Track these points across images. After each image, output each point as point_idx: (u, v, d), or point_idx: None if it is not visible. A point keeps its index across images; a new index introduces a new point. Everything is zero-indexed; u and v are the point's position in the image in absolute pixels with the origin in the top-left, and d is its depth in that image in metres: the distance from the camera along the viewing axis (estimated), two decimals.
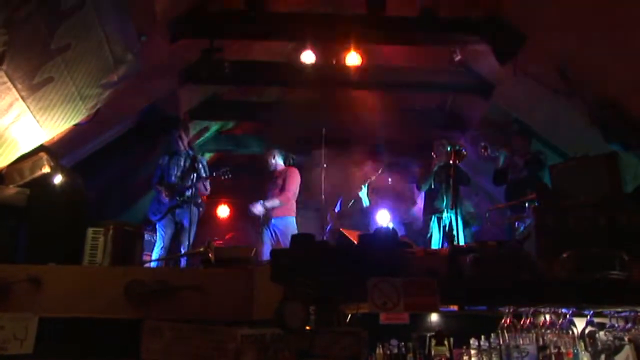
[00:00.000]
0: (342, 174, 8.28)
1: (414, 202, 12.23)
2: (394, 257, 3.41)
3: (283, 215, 8.00)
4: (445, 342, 3.96)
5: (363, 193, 8.50)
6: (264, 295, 4.69)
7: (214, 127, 9.81)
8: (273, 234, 7.89)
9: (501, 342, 4.91)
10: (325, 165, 7.59)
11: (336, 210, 8.50)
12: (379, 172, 8.68)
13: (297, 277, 3.33)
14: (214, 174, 7.63)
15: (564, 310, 3.73)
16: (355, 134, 9.55)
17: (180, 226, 7.47)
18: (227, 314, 4.72)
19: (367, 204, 8.39)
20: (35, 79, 4.26)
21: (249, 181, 8.92)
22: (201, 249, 5.39)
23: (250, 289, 4.78)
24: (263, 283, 4.78)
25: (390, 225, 8.69)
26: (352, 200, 8.43)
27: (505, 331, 3.84)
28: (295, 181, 8.12)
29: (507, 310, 3.66)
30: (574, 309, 3.76)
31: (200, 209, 7.56)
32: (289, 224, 8.00)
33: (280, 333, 3.92)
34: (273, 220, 7.95)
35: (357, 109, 9.07)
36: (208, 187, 7.64)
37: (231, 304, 4.73)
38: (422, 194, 11.52)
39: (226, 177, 7.63)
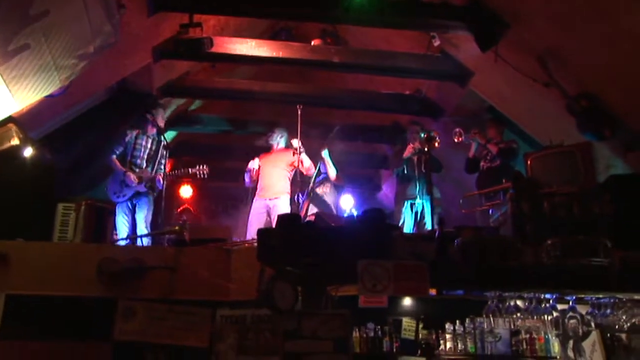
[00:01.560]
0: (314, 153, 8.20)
1: (379, 187, 12.34)
2: (382, 239, 3.40)
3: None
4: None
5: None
6: (241, 275, 4.67)
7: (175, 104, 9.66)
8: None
9: (475, 326, 5.05)
10: (300, 145, 7.51)
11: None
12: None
13: (285, 258, 3.30)
14: (190, 170, 7.46)
15: (547, 296, 3.79)
16: (330, 115, 9.56)
17: (135, 209, 7.28)
18: (203, 294, 4.69)
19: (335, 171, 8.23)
20: (11, 46, 4.11)
21: (212, 162, 8.75)
22: (176, 228, 5.33)
23: (227, 269, 4.76)
24: (240, 263, 4.77)
25: (354, 211, 8.70)
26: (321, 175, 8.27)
27: (486, 316, 3.88)
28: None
29: (492, 295, 3.69)
30: (557, 295, 3.82)
31: (154, 195, 7.39)
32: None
33: (261, 314, 3.92)
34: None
35: (332, 91, 9.10)
36: (162, 182, 7.28)
37: (207, 284, 4.70)
38: (388, 180, 11.67)
39: (202, 175, 7.50)
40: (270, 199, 7.63)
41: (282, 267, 3.23)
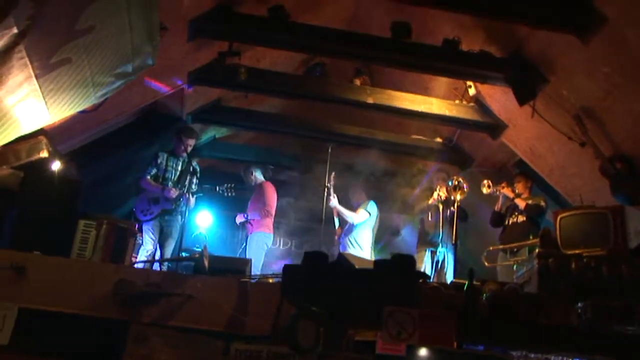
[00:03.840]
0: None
1: (398, 233, 12.25)
2: (410, 286, 3.34)
3: (258, 230, 8.28)
4: None
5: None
6: (258, 310, 4.60)
7: (211, 132, 9.73)
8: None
9: None
10: (330, 185, 7.52)
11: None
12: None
13: (309, 296, 3.24)
14: (217, 188, 7.53)
15: None
16: (359, 155, 9.59)
17: (166, 233, 7.33)
18: (218, 325, 4.62)
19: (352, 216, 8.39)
20: (53, 59, 4.14)
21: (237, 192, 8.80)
22: (196, 255, 5.29)
23: (245, 302, 4.69)
24: (258, 297, 4.70)
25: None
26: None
27: None
28: (273, 196, 8.50)
29: (518, 354, 3.60)
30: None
31: (184, 219, 7.38)
32: (259, 239, 8.23)
33: (278, 351, 3.84)
34: (248, 235, 8.25)
35: (362, 132, 9.12)
36: (193, 201, 7.43)
37: (223, 315, 4.63)
38: (408, 225, 11.58)
39: (229, 193, 7.56)
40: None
41: (307, 305, 3.18)
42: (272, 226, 8.47)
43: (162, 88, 6.77)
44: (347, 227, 8.45)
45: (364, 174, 9.68)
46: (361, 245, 8.27)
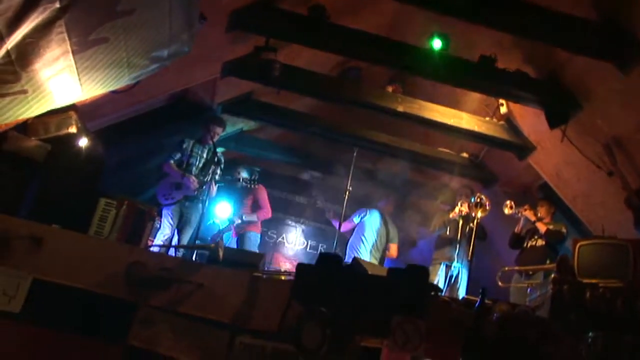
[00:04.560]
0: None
1: (415, 244, 12.20)
2: (421, 298, 3.33)
3: (252, 230, 8.48)
4: None
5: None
6: (266, 305, 4.61)
7: (239, 125, 9.77)
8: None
9: None
10: (350, 189, 7.51)
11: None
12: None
13: (319, 298, 3.25)
14: (240, 180, 7.58)
15: None
16: (382, 162, 9.60)
17: (185, 220, 7.38)
18: (225, 317, 4.64)
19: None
20: (91, 36, 4.18)
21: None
22: (211, 245, 5.32)
23: (254, 296, 4.70)
24: (268, 293, 4.72)
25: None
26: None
27: None
28: (267, 198, 8.68)
29: None
30: None
31: (204, 207, 7.38)
32: (254, 238, 8.46)
33: (282, 348, 3.85)
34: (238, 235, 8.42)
35: (389, 139, 9.11)
36: (215, 190, 7.47)
37: (232, 307, 4.65)
38: (425, 237, 11.54)
39: (252, 185, 7.62)
40: None
41: (315, 307, 3.18)
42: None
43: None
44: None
45: (386, 182, 9.69)
46: (357, 249, 8.34)
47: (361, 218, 8.64)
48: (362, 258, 7.67)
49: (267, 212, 8.57)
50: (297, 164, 10.77)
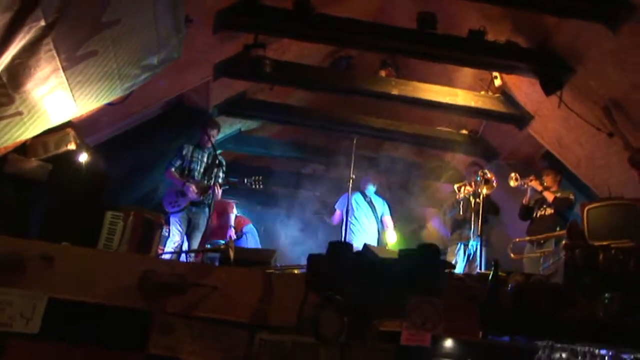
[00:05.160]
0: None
1: (423, 225, 12.23)
2: (435, 276, 3.33)
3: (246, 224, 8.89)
4: None
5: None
6: (282, 300, 4.61)
7: (236, 125, 9.78)
8: None
9: None
10: (353, 177, 7.51)
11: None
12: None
13: (333, 286, 3.25)
14: (245, 180, 7.56)
15: (602, 352, 3.65)
16: (379, 147, 9.60)
17: (193, 225, 7.39)
18: (242, 316, 4.64)
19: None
20: (80, 51, 4.19)
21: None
22: (222, 247, 5.32)
23: (270, 293, 4.71)
24: (282, 288, 4.72)
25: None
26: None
27: None
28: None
29: (543, 344, 3.56)
30: (613, 353, 3.67)
31: (210, 211, 7.40)
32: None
33: (301, 342, 3.85)
34: None
35: (387, 124, 9.10)
36: (220, 193, 7.44)
37: (248, 306, 4.65)
38: (436, 219, 11.56)
39: (257, 186, 7.60)
40: None
41: (331, 295, 3.19)
42: None
43: None
44: None
45: (388, 167, 9.69)
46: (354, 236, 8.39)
47: (343, 205, 8.62)
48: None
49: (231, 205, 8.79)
50: (299, 158, 10.76)
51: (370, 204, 8.62)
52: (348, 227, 7.89)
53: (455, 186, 8.00)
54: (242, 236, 8.84)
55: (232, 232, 8.60)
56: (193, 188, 7.21)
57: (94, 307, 4.64)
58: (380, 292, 3.26)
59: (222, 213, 8.70)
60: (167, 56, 5.29)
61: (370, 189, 8.74)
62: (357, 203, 8.53)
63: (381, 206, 8.73)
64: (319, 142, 10.20)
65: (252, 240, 8.75)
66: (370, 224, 8.52)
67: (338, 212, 8.70)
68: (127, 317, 4.66)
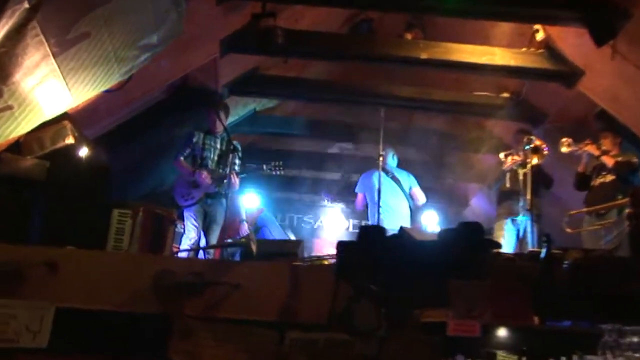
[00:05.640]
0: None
1: (466, 203, 12.16)
2: (479, 257, 3.31)
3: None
4: None
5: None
6: (311, 295, 4.62)
7: (250, 105, 9.80)
8: None
9: None
10: (383, 154, 7.49)
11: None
12: None
13: (366, 275, 3.25)
14: (264, 167, 7.56)
15: None
16: (410, 118, 9.55)
17: (210, 219, 7.40)
18: (269, 315, 4.66)
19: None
20: (70, 34, 4.22)
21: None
22: (242, 240, 5.35)
23: (297, 287, 4.72)
24: (311, 281, 4.73)
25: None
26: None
27: (601, 353, 3.70)
28: None
29: (609, 328, 3.52)
30: None
31: (228, 202, 7.28)
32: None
33: (335, 338, 3.86)
34: None
35: (416, 92, 9.04)
36: (237, 181, 7.39)
37: (274, 303, 4.67)
38: (477, 194, 11.49)
39: (277, 171, 7.58)
40: None
41: (364, 285, 3.19)
42: None
43: None
44: None
45: (421, 140, 9.66)
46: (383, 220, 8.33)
47: (365, 186, 8.57)
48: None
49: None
50: (322, 138, 10.77)
51: (394, 179, 8.53)
52: (377, 209, 7.88)
53: (502, 155, 7.88)
54: (259, 229, 8.86)
55: (244, 229, 8.61)
56: (205, 175, 7.18)
57: (106, 315, 4.71)
58: (420, 279, 3.24)
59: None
60: (168, 33, 5.31)
61: (391, 163, 8.62)
62: (380, 182, 8.47)
63: (406, 179, 8.65)
64: (343, 118, 10.18)
65: (271, 227, 8.75)
66: (399, 203, 8.42)
67: (360, 195, 8.66)
68: (143, 322, 4.72)
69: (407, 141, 9.51)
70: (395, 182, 8.51)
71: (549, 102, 8.75)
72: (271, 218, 9.19)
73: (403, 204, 8.47)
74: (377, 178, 7.87)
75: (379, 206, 7.80)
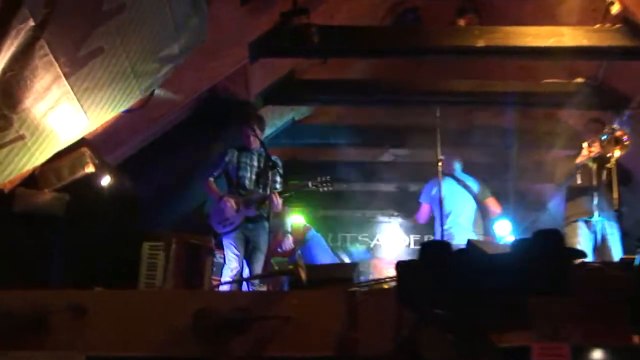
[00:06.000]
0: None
1: (544, 207, 11.96)
2: (561, 269, 3.25)
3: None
4: None
5: None
6: (372, 323, 4.60)
7: (288, 115, 9.83)
8: None
9: None
10: (442, 158, 7.44)
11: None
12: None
13: (432, 298, 3.21)
14: (309, 184, 7.50)
15: None
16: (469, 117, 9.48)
17: (252, 246, 7.34)
18: (325, 349, 4.65)
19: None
20: (82, 50, 4.28)
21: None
22: (290, 267, 5.34)
23: (355, 317, 4.70)
24: (370, 308, 4.71)
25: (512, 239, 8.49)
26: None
27: None
28: None
29: None
30: None
31: (270, 225, 7.24)
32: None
33: None
34: None
35: (476, 85, 8.98)
36: (280, 202, 7.34)
37: (330, 335, 4.66)
38: (555, 197, 11.30)
39: (325, 188, 7.51)
40: None
41: (430, 310, 3.15)
42: None
43: None
44: None
45: (484, 139, 9.57)
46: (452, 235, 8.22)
47: (430, 196, 8.49)
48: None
49: None
50: (371, 145, 10.75)
51: (464, 186, 8.48)
52: (443, 221, 7.82)
53: (584, 144, 7.71)
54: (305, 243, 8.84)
55: (289, 243, 8.62)
56: (230, 205, 7.16)
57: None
58: (494, 298, 3.19)
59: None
60: (190, 41, 5.35)
61: (458, 168, 8.62)
62: (446, 190, 8.39)
63: (476, 187, 8.58)
64: (393, 121, 10.13)
65: (319, 249, 8.73)
66: (468, 213, 8.38)
67: (426, 206, 8.61)
68: None
69: (468, 142, 9.39)
70: (465, 189, 8.46)
71: (631, 84, 8.59)
72: (319, 238, 9.14)
73: (473, 215, 8.41)
74: (443, 186, 7.82)
75: (444, 218, 7.77)
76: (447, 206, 8.17)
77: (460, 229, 8.14)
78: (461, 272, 3.31)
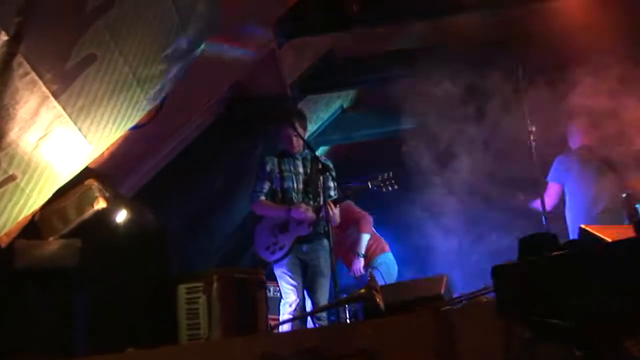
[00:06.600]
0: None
1: None
2: None
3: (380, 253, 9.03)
4: None
5: None
6: (474, 345, 4.54)
7: (335, 103, 9.79)
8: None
9: None
10: (533, 129, 7.34)
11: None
12: None
13: (543, 304, 3.14)
14: (369, 184, 7.40)
15: None
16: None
17: (311, 270, 7.29)
18: None
19: None
20: (70, 61, 4.26)
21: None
22: (362, 291, 5.30)
23: (451, 341, 4.65)
24: (470, 328, 4.65)
25: None
26: None
27: None
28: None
29: None
30: None
31: (331, 242, 7.01)
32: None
33: None
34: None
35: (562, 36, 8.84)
36: (337, 212, 7.32)
37: None
38: None
39: (389, 188, 7.41)
40: None
41: (543, 321, 3.08)
42: None
43: None
44: None
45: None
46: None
47: (562, 174, 8.33)
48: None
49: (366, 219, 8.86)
50: None
51: (609, 165, 8.29)
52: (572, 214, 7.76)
53: None
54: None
55: (358, 267, 8.66)
56: (304, 207, 7.18)
57: None
58: (623, 297, 3.10)
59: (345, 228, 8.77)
60: (200, 31, 5.33)
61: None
62: (582, 171, 8.22)
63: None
64: (467, 92, 10.03)
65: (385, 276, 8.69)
66: (610, 198, 8.19)
67: (556, 186, 8.50)
68: None
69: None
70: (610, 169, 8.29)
71: None
72: (393, 262, 9.08)
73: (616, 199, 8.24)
74: (588, 163, 8.04)
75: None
76: (583, 188, 8.18)
77: (579, 214, 8.03)
78: (575, 269, 3.22)
